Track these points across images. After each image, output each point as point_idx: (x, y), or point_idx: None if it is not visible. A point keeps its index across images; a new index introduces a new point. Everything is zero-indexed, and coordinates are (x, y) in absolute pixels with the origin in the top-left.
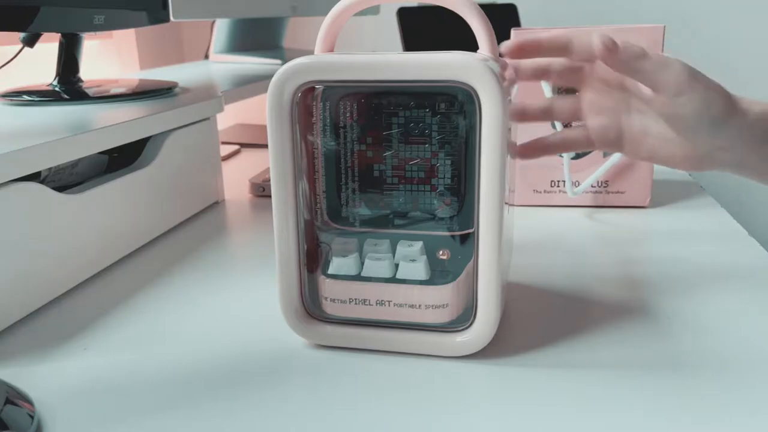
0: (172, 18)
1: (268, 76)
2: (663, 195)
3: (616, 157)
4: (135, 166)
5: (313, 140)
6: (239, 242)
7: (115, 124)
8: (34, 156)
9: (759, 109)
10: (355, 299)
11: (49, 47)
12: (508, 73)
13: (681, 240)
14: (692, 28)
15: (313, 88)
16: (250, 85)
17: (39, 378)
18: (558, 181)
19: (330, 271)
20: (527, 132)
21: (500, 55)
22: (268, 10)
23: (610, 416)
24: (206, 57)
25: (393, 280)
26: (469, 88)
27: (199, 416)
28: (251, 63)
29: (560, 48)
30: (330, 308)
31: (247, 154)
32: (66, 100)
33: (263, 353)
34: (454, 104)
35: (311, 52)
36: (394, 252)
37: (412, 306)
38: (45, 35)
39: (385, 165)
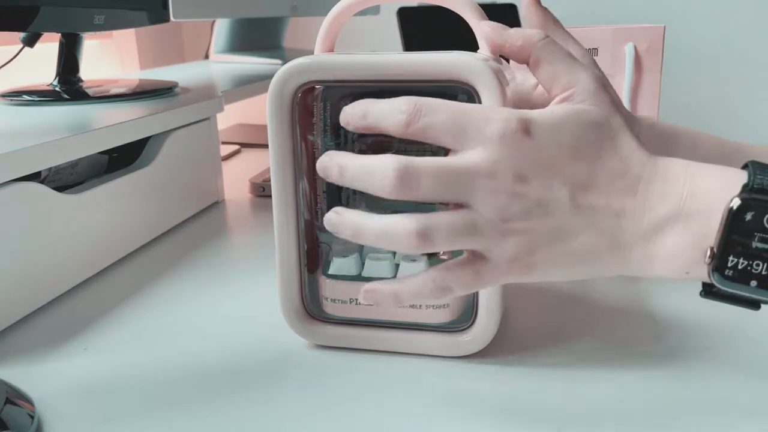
0: (172, 18)
1: (268, 76)
2: None
3: None
4: (135, 166)
5: (314, 140)
6: (239, 242)
7: (115, 124)
8: (34, 156)
9: (648, 122)
10: (356, 299)
11: (49, 47)
12: (508, 74)
13: None
14: (692, 28)
15: (313, 88)
16: (250, 85)
17: (39, 378)
18: None
19: (330, 271)
20: None
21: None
22: (268, 10)
23: (609, 416)
24: (206, 57)
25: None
26: (470, 87)
27: (199, 416)
28: (251, 63)
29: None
30: (330, 308)
31: (247, 154)
32: (66, 100)
33: (263, 353)
34: None
35: (311, 52)
36: (394, 252)
37: (412, 306)
38: (45, 35)
39: None
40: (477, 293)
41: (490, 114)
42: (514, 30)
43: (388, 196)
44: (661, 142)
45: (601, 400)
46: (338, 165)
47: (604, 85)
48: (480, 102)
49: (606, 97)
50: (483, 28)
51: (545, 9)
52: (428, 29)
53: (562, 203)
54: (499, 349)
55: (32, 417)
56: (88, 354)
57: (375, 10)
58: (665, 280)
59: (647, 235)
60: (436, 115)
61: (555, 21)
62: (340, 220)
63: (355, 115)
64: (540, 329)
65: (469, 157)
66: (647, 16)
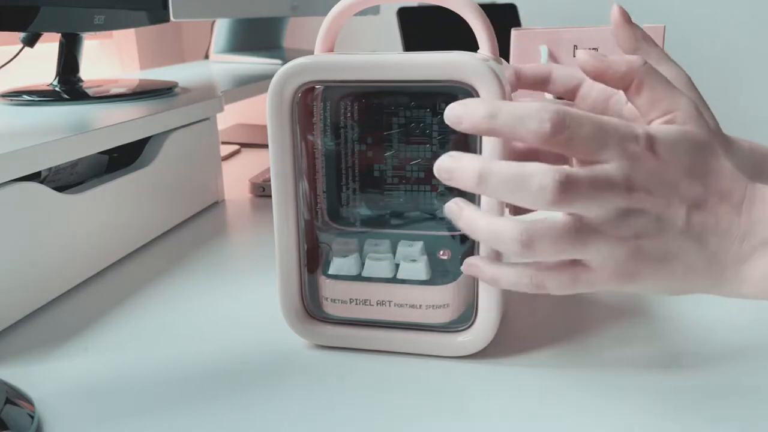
0: (172, 18)
1: (268, 76)
2: None
3: None
4: (135, 166)
5: (314, 140)
6: (239, 242)
7: (115, 124)
8: (34, 156)
9: (747, 145)
10: (356, 299)
11: (49, 47)
12: (509, 75)
13: None
14: (692, 28)
15: (313, 88)
16: (250, 85)
17: (39, 378)
18: None
19: (330, 271)
20: None
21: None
22: (268, 10)
23: (609, 417)
24: (206, 57)
25: (394, 280)
26: (470, 87)
27: (199, 416)
28: (251, 63)
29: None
30: (330, 309)
31: (247, 154)
32: (66, 100)
33: (263, 353)
34: None
35: (311, 52)
36: (394, 252)
37: (412, 306)
38: (45, 35)
39: (385, 165)
40: (477, 293)
41: (626, 131)
42: (616, 57)
43: (542, 207)
44: (758, 164)
45: (601, 401)
46: (477, 171)
47: (701, 110)
48: None
49: (705, 122)
50: (582, 57)
51: (635, 26)
52: (428, 29)
53: (678, 221)
54: (499, 349)
55: (32, 417)
56: (88, 354)
57: (375, 10)
58: (755, 300)
59: (744, 256)
60: (581, 128)
61: (646, 37)
62: (459, 213)
63: (477, 113)
64: (540, 329)
65: (607, 169)
66: (647, 16)
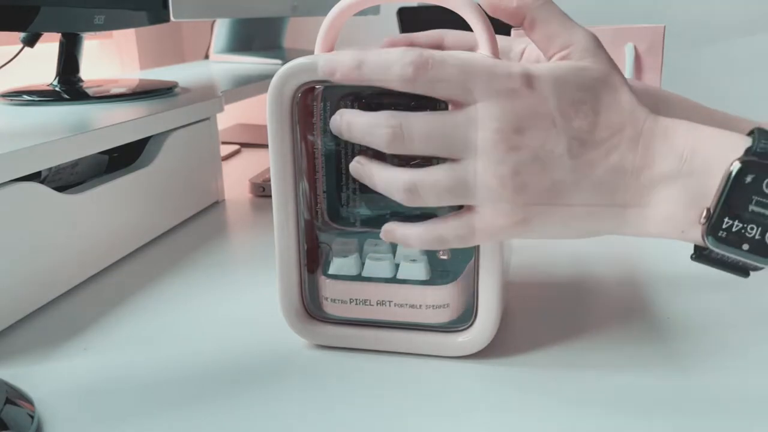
0: (172, 18)
1: (268, 76)
2: None
3: None
4: (135, 166)
5: (314, 140)
6: (239, 242)
7: (115, 124)
8: (34, 156)
9: (642, 86)
10: (356, 299)
11: (49, 47)
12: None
13: None
14: (692, 28)
15: (313, 88)
16: (250, 85)
17: (39, 378)
18: None
19: (330, 271)
20: None
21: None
22: (268, 10)
23: (609, 417)
24: (206, 57)
25: (393, 280)
26: None
27: (199, 416)
28: (251, 63)
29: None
30: (330, 308)
31: (247, 154)
32: (66, 100)
33: (263, 353)
34: None
35: (311, 52)
36: (394, 252)
37: (412, 306)
38: (45, 35)
39: None
40: (477, 293)
41: (495, 69)
42: None
43: (385, 150)
44: (653, 107)
45: (602, 401)
46: (347, 122)
47: (600, 44)
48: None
49: (604, 55)
50: None
51: None
52: (428, 29)
53: (559, 158)
54: (499, 349)
55: (32, 417)
56: (88, 354)
57: (375, 10)
58: (660, 238)
59: (644, 192)
60: (444, 68)
61: None
62: (363, 169)
63: (345, 63)
64: (540, 329)
65: (469, 111)
66: (647, 16)
